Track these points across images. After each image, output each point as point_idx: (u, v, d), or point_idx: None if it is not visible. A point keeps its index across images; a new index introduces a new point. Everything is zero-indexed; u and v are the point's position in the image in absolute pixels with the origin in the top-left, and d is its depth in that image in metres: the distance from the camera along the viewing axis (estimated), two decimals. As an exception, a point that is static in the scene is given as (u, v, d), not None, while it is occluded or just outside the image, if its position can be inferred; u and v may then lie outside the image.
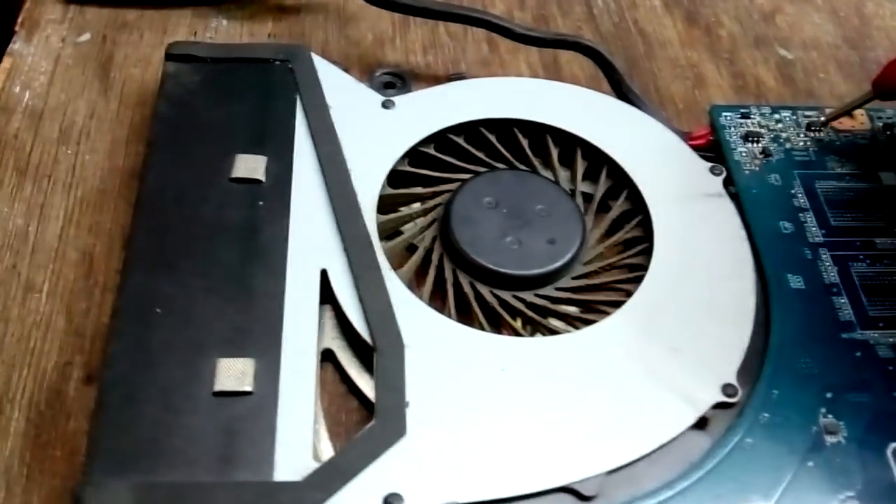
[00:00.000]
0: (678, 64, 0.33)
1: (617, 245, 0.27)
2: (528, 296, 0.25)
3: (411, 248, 0.27)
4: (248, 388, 0.22)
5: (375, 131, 0.28)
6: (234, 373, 0.22)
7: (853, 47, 0.35)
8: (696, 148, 0.29)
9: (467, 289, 0.25)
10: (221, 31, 0.33)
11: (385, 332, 0.23)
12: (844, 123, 0.30)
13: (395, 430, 0.22)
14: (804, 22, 0.35)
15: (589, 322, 0.25)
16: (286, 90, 0.28)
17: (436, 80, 0.31)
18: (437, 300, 0.25)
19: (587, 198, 0.28)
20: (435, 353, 0.23)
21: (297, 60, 0.29)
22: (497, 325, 0.25)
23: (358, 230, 0.25)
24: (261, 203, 0.26)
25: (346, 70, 0.30)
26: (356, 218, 0.25)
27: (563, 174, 0.29)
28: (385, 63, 0.32)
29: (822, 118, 0.29)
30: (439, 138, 0.28)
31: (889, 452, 0.23)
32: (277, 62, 0.29)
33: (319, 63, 0.29)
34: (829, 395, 0.23)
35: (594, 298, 0.26)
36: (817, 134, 0.29)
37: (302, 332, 0.23)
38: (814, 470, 0.22)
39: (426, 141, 0.28)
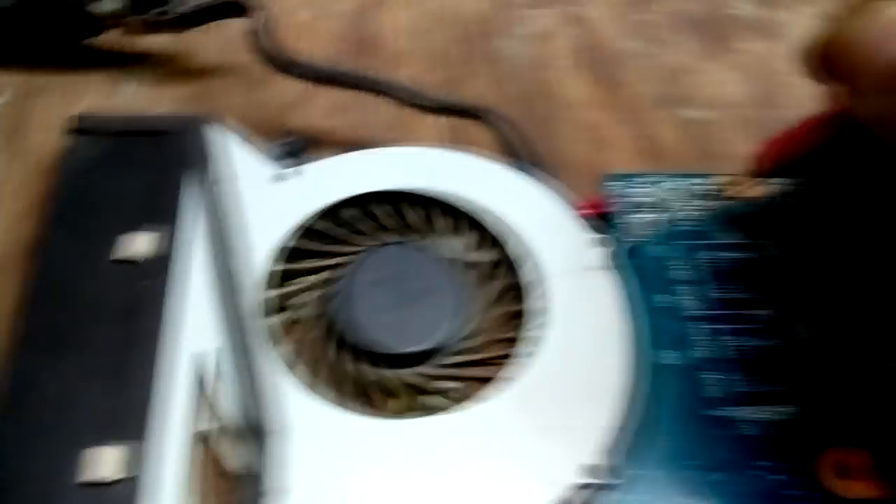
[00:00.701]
0: (582, 126, 0.34)
1: (500, 318, 0.28)
2: (407, 373, 0.26)
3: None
4: (115, 477, 0.22)
5: (267, 205, 0.28)
6: (101, 461, 0.23)
7: (759, 106, 0.35)
8: (588, 217, 0.29)
9: (348, 367, 0.26)
10: (130, 96, 0.33)
11: (255, 416, 0.24)
12: (738, 191, 0.30)
13: (257, 517, 0.22)
14: (712, 81, 0.36)
15: (469, 398, 0.25)
16: (181, 163, 0.29)
17: (341, 144, 0.32)
18: (320, 379, 0.26)
19: (473, 269, 0.29)
20: (307, 438, 0.24)
21: (195, 132, 0.29)
22: (377, 405, 0.26)
23: (238, 308, 0.26)
24: (142, 283, 0.26)
25: (247, 138, 0.30)
26: (237, 296, 0.26)
27: (454, 245, 0.29)
28: (290, 128, 0.32)
29: (707, 189, 0.30)
30: (331, 212, 0.29)
31: (747, 534, 0.23)
32: (175, 133, 0.30)
33: (218, 133, 0.30)
34: (693, 474, 0.24)
35: (473, 375, 0.26)
36: (708, 202, 0.30)
37: (174, 417, 0.24)
38: (672, 553, 0.23)
39: (317, 215, 0.29)
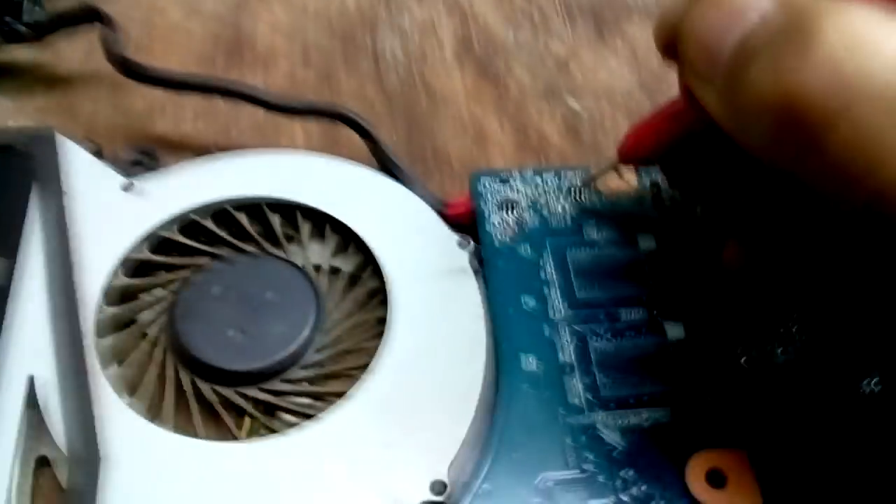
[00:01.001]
0: (460, 121, 0.33)
1: (359, 326, 0.27)
2: (252, 391, 0.25)
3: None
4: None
5: (112, 216, 0.27)
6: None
7: (648, 93, 0.34)
8: (456, 217, 0.28)
9: (186, 386, 0.25)
10: (-11, 108, 0.32)
11: (80, 443, 0.23)
12: (610, 185, 0.29)
13: (75, 553, 0.21)
14: (599, 68, 0.35)
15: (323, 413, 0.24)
16: (23, 178, 0.27)
17: (207, 150, 0.31)
18: (161, 400, 0.25)
19: (335, 274, 0.27)
20: (137, 465, 0.22)
21: (39, 144, 0.28)
22: (223, 427, 0.24)
23: (71, 329, 0.24)
24: (-22, 307, 0.25)
25: (99, 148, 0.29)
26: (71, 315, 0.25)
27: (316, 251, 0.28)
28: (152, 134, 0.31)
29: (577, 184, 0.28)
30: (183, 221, 0.28)
31: (599, 548, 0.22)
32: (19, 147, 0.28)
33: (63, 145, 0.28)
34: (543, 486, 0.23)
35: (323, 390, 0.25)
36: (578, 199, 0.29)
37: (2, 443, 0.23)
38: (517, 572, 0.21)
39: (169, 224, 0.27)
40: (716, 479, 0.23)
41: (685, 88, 0.22)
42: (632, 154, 0.26)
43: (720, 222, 0.26)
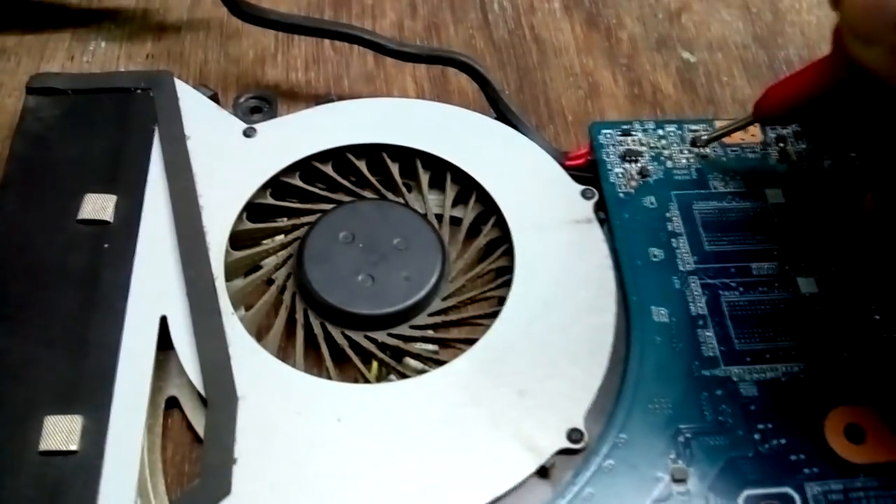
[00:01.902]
0: (572, 72, 0.32)
1: (483, 276, 0.26)
2: (381, 335, 0.25)
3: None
4: (74, 448, 0.21)
5: (234, 162, 0.27)
6: (60, 431, 0.22)
7: (763, 46, 0.33)
8: (574, 169, 0.28)
9: (317, 330, 0.25)
10: (99, 54, 0.32)
11: (217, 384, 0.23)
12: (734, 137, 0.28)
13: (219, 489, 0.21)
14: (712, 20, 0.34)
15: (448, 360, 0.24)
16: (145, 121, 0.27)
17: (319, 97, 0.30)
18: (289, 343, 0.25)
19: (456, 223, 0.27)
20: (271, 404, 0.23)
21: (159, 88, 0.28)
22: (351, 369, 0.24)
23: (201, 272, 0.24)
24: (106, 246, 0.25)
25: (216, 93, 0.29)
26: (201, 258, 0.25)
27: (434, 199, 0.28)
28: (263, 82, 0.31)
29: (704, 137, 0.28)
30: (304, 166, 0.27)
31: (741, 501, 0.22)
32: (139, 91, 0.28)
33: (182, 90, 0.28)
34: (681, 438, 0.22)
35: (450, 336, 0.25)
36: (702, 150, 0.28)
37: (135, 386, 0.23)
38: (657, 521, 0.21)
39: (289, 170, 0.27)
40: (855, 434, 0.23)
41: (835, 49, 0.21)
42: (768, 112, 0.25)
43: (865, 173, 0.25)
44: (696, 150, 0.28)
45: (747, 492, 0.22)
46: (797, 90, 0.25)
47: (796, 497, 0.22)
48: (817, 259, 0.26)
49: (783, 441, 0.22)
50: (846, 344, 0.24)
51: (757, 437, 0.22)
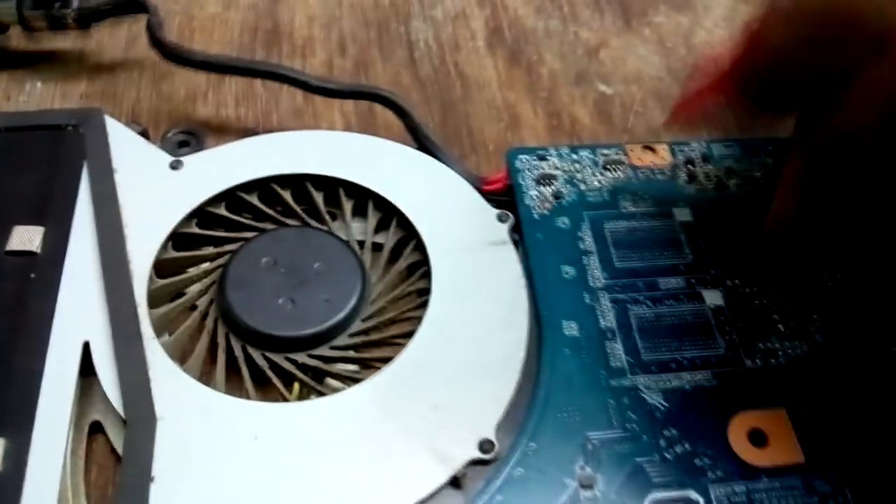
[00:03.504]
0: (494, 105, 0.33)
1: (403, 298, 0.27)
2: (302, 357, 0.25)
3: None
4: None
5: (160, 193, 0.28)
6: (-16, 453, 0.22)
7: (676, 79, 0.35)
8: (492, 193, 0.29)
9: (238, 352, 0.25)
10: (35, 95, 0.33)
11: (136, 405, 0.23)
12: (644, 160, 0.30)
13: (135, 506, 0.21)
14: (628, 55, 0.35)
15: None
16: (74, 156, 0.28)
17: (249, 132, 0.31)
18: (212, 368, 0.25)
19: (378, 249, 0.28)
20: (190, 424, 0.23)
21: (89, 125, 0.29)
22: (273, 391, 0.25)
23: (124, 298, 0.25)
24: (33, 276, 0.25)
25: (145, 131, 0.30)
26: (124, 286, 0.25)
27: (358, 227, 0.29)
28: (194, 118, 0.32)
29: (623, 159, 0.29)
30: (230, 197, 0.28)
31: None
32: (70, 127, 0.29)
33: (112, 126, 0.29)
34: (589, 446, 0.23)
35: (370, 356, 0.26)
36: (614, 172, 0.29)
37: (58, 409, 0.23)
38: (564, 527, 0.22)
39: (215, 200, 0.28)
40: (757, 439, 0.24)
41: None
42: (685, 119, 0.27)
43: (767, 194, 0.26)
44: (608, 172, 0.29)
45: (653, 495, 0.22)
46: (700, 101, 0.26)
47: (700, 499, 0.22)
48: (723, 273, 0.27)
49: (688, 446, 0.23)
50: (749, 353, 0.25)
51: (662, 442, 0.23)
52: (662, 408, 0.24)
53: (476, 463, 0.23)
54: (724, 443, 0.23)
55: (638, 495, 0.22)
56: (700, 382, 0.25)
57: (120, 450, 0.24)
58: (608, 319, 0.26)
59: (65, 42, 0.34)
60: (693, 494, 0.23)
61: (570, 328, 0.25)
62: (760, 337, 0.26)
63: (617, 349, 0.25)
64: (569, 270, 0.27)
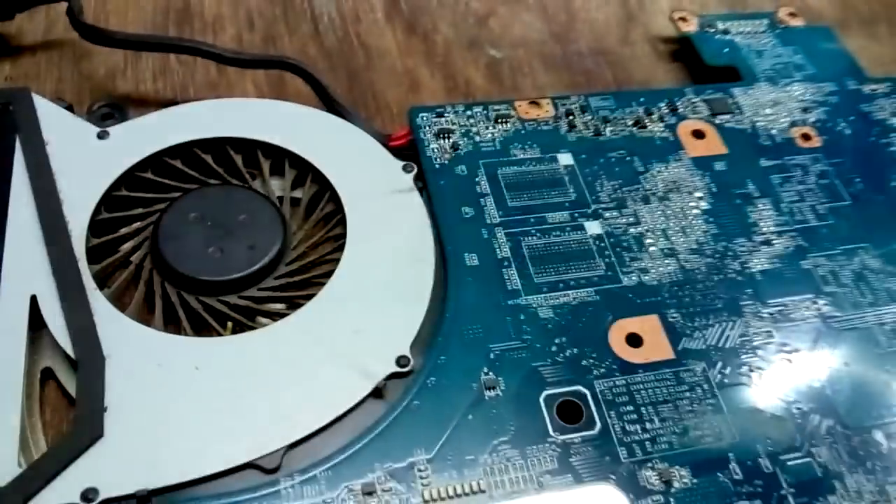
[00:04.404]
0: (395, 71, 0.36)
1: (321, 243, 0.30)
2: (233, 299, 0.28)
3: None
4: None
5: (90, 161, 0.30)
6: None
7: (558, 41, 0.39)
8: (397, 148, 0.32)
9: (174, 298, 0.28)
10: (-40, 79, 0.34)
11: (85, 347, 0.26)
12: (530, 113, 0.33)
13: (92, 432, 0.24)
14: (515, 22, 0.39)
15: (291, 316, 0.28)
16: (6, 132, 0.30)
17: (168, 104, 0.34)
18: (151, 315, 0.28)
19: (296, 204, 0.31)
20: (135, 361, 0.26)
21: (17, 102, 0.31)
22: (205, 331, 0.28)
23: (65, 255, 0.27)
24: (-23, 239, 0.28)
25: (70, 106, 0.32)
26: (64, 244, 0.28)
27: (277, 184, 0.31)
28: (115, 94, 0.34)
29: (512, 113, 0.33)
30: (155, 162, 0.31)
31: (541, 399, 0.26)
32: (-1, 106, 0.31)
33: (40, 103, 0.31)
34: (492, 356, 0.27)
35: (295, 294, 0.29)
36: (504, 125, 0.33)
37: (11, 356, 0.25)
38: (473, 422, 0.25)
39: (142, 166, 0.30)
40: (634, 341, 0.28)
41: None
42: None
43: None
44: (499, 126, 0.33)
45: (547, 391, 0.26)
46: None
47: (587, 392, 0.26)
48: (601, 207, 0.31)
49: (575, 350, 0.27)
50: (626, 271, 0.29)
51: (554, 349, 0.27)
52: (552, 321, 0.28)
53: (394, 376, 0.26)
54: (605, 346, 0.27)
55: (534, 392, 0.26)
56: (584, 298, 0.28)
57: (72, 391, 0.26)
58: (504, 250, 0.29)
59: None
60: (581, 389, 0.26)
61: (472, 259, 0.29)
62: (635, 258, 0.30)
63: (513, 275, 0.29)
64: (468, 211, 0.30)
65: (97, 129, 0.31)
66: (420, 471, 0.24)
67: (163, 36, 0.34)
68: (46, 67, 0.35)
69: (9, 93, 0.31)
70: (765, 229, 0.31)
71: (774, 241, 0.31)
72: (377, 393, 0.26)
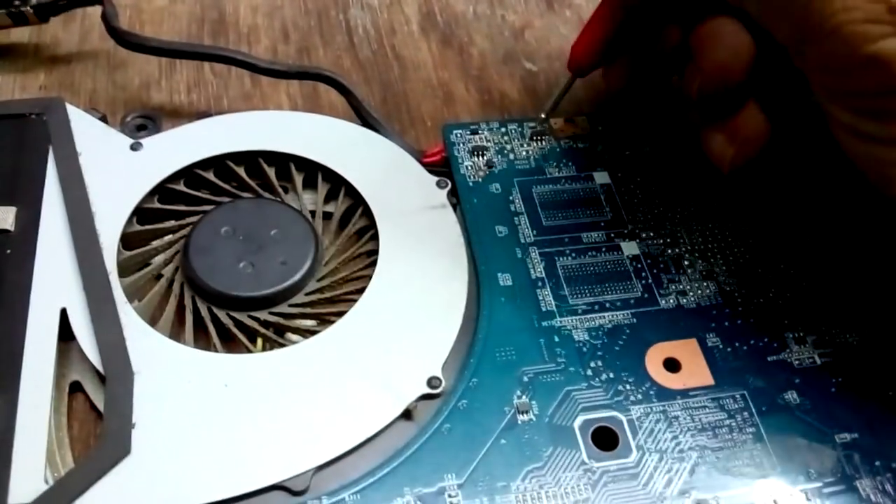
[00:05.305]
0: (430, 84, 0.36)
1: (353, 259, 0.30)
2: (263, 314, 0.28)
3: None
4: (-13, 425, 0.24)
5: (123, 172, 0.30)
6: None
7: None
8: (431, 164, 0.32)
9: (204, 313, 0.28)
10: (-4, 87, 0.34)
11: (114, 361, 0.25)
12: (566, 130, 0.33)
13: (119, 449, 0.24)
14: (551, 35, 0.39)
15: (322, 334, 0.27)
16: (40, 142, 0.30)
17: (201, 115, 0.33)
18: (181, 329, 0.28)
19: (328, 218, 0.31)
20: (164, 377, 0.25)
21: (51, 112, 0.31)
22: (239, 346, 0.27)
23: (96, 268, 0.27)
24: (8, 251, 0.28)
25: (104, 117, 0.32)
26: (95, 256, 0.27)
27: (309, 198, 0.31)
28: (149, 105, 0.34)
29: (542, 115, 0.32)
30: (188, 174, 0.31)
31: (575, 425, 0.25)
32: (34, 116, 0.31)
33: (73, 113, 0.31)
34: (525, 378, 0.26)
35: (326, 311, 0.28)
36: (539, 143, 0.32)
37: (40, 369, 0.25)
38: (505, 447, 0.25)
39: (174, 178, 0.30)
40: (671, 366, 0.27)
41: None
42: (580, 62, 0.30)
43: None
44: (534, 143, 0.32)
45: (582, 417, 0.26)
46: (593, 31, 0.30)
47: (623, 418, 0.26)
48: (638, 227, 0.30)
49: (611, 375, 0.27)
50: (663, 294, 0.28)
51: (589, 373, 0.27)
52: (588, 343, 0.27)
53: (425, 397, 0.26)
54: (642, 370, 0.27)
55: (569, 417, 0.26)
56: (620, 321, 0.28)
57: (100, 405, 0.26)
58: (538, 270, 0.29)
59: (21, 35, 0.36)
60: (617, 415, 0.26)
61: (505, 279, 0.28)
62: (672, 280, 0.29)
63: (547, 295, 0.28)
64: (502, 229, 0.30)
65: (130, 141, 0.31)
66: (451, 496, 0.24)
67: (199, 44, 0.34)
68: (80, 77, 0.35)
69: (43, 102, 0.31)
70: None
71: (817, 265, 0.30)
72: (407, 414, 0.25)
